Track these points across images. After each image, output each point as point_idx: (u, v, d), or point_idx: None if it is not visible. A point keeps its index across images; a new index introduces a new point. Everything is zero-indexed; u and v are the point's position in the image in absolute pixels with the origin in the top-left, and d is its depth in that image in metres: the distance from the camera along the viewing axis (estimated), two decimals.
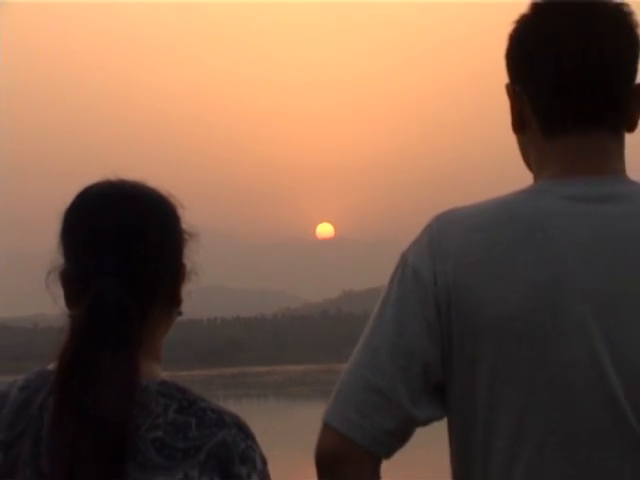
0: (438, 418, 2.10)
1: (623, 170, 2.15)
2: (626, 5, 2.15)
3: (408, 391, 2.05)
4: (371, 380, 2.05)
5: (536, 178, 2.18)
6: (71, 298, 2.06)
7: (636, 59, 2.15)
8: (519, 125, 2.19)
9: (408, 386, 2.05)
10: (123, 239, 2.03)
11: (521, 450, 2.02)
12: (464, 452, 2.09)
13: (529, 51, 2.15)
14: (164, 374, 2.05)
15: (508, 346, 2.02)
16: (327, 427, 2.07)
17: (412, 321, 2.06)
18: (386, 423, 2.05)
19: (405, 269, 2.09)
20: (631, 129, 2.17)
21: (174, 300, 2.12)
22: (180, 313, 2.14)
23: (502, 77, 2.22)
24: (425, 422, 2.09)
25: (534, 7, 2.17)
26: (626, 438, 2.00)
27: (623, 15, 2.14)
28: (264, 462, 2.01)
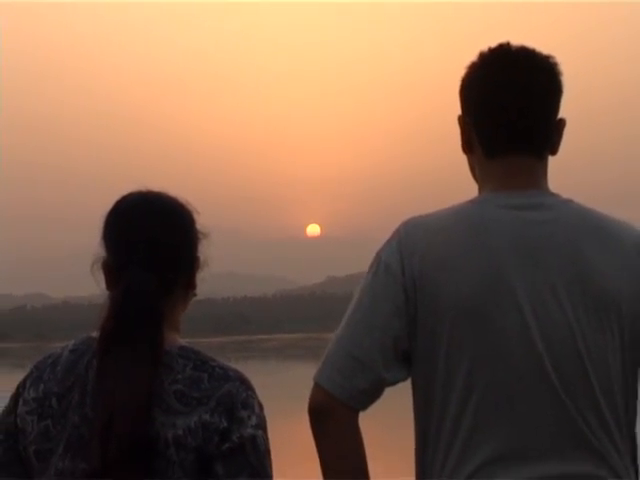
0: (404, 380, 2.10)
1: (546, 185, 2.16)
2: (552, 57, 2.16)
3: (381, 359, 2.05)
4: (351, 350, 2.06)
5: (480, 190, 2.19)
6: (110, 282, 2.05)
7: (559, 100, 2.16)
8: (467, 148, 2.20)
9: (381, 355, 2.05)
10: (151, 237, 2.03)
11: (469, 401, 2.02)
12: (425, 405, 2.08)
13: (476, 93, 2.16)
14: (188, 341, 2.05)
15: (461, 321, 2.03)
16: (316, 386, 2.07)
17: (384, 304, 2.06)
18: (361, 384, 2.05)
19: (379, 264, 2.10)
20: (554, 153, 2.19)
21: (190, 285, 2.11)
22: (195, 295, 2.14)
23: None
24: (393, 383, 2.09)
25: (481, 58, 2.17)
26: (548, 391, 2.02)
27: (550, 66, 2.15)
28: (261, 407, 2.01)
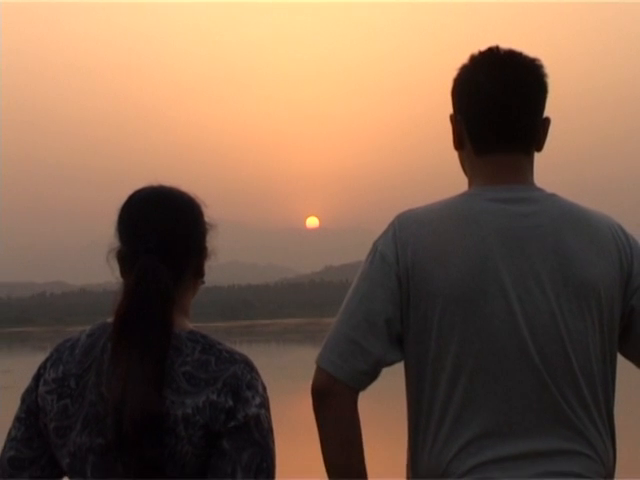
0: (399, 360, 2.10)
1: (532, 180, 2.15)
2: (538, 60, 2.15)
3: (377, 342, 2.05)
4: (350, 334, 2.05)
5: (470, 184, 2.19)
6: (124, 270, 2.04)
7: (544, 100, 2.15)
8: (459, 144, 2.19)
9: (377, 338, 2.05)
10: (162, 228, 2.01)
11: (458, 381, 2.02)
12: (417, 385, 2.08)
13: (467, 94, 2.15)
14: (196, 325, 2.04)
15: (451, 305, 2.03)
16: (319, 368, 2.07)
17: (379, 290, 2.06)
18: (360, 365, 2.05)
19: (375, 254, 2.10)
20: (539, 149, 2.18)
21: (199, 272, 2.09)
22: (203, 282, 2.12)
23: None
24: (389, 363, 2.08)
25: (472, 59, 2.17)
26: (531, 372, 2.02)
27: (537, 67, 2.14)
28: (264, 388, 2.00)
